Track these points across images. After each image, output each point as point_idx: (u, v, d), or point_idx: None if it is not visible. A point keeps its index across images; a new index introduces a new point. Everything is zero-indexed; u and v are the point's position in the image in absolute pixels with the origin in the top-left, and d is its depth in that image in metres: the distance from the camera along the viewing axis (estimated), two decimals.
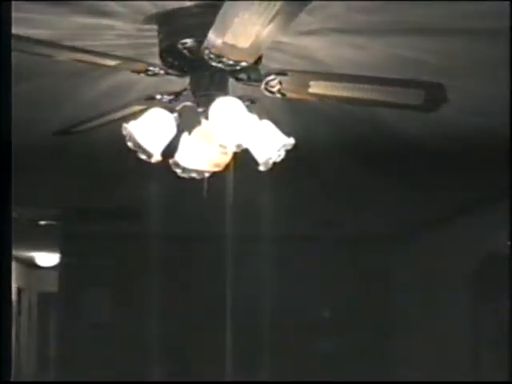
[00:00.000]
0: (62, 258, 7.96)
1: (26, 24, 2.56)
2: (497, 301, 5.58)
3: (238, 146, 2.46)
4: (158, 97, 2.72)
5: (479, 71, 3.16)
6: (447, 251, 6.50)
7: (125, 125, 2.51)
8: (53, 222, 6.76)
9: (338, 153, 4.41)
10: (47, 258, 10.48)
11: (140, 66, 2.60)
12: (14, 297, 11.09)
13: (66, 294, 7.70)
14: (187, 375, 7.03)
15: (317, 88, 2.64)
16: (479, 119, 3.78)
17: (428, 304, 6.85)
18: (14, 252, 9.27)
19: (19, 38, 2.31)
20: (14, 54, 2.31)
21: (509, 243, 5.22)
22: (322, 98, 2.75)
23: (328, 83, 2.65)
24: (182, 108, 2.59)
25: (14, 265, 10.38)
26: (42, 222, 6.74)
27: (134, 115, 2.66)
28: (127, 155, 2.62)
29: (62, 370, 7.56)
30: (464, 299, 6.15)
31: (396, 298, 7.47)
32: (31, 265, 11.04)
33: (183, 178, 2.64)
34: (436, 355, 6.53)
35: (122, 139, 2.53)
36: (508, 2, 2.48)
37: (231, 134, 2.44)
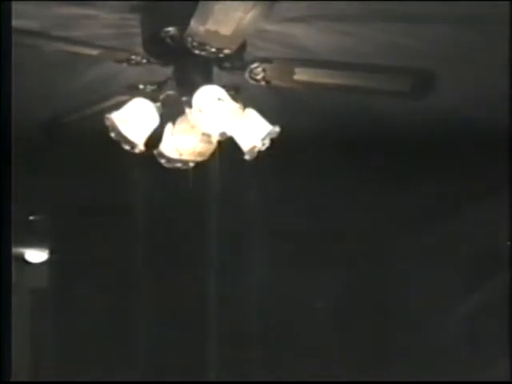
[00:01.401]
0: (51, 254, 7.91)
1: None
2: (496, 296, 5.56)
3: (222, 134, 2.43)
4: (141, 86, 2.69)
5: (470, 58, 3.13)
6: (442, 245, 6.45)
7: (107, 115, 2.47)
8: (41, 217, 6.71)
9: (323, 142, 4.36)
10: (37, 254, 10.45)
11: (122, 55, 2.57)
12: None
13: (57, 289, 7.67)
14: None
15: (302, 75, 2.61)
16: (472, 107, 3.74)
17: (427, 300, 6.81)
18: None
19: None
20: None
21: (509, 243, 5.18)
22: (307, 85, 2.72)
23: (313, 70, 2.63)
24: (165, 97, 2.57)
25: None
26: (31, 218, 6.69)
27: (117, 106, 2.62)
28: (112, 147, 2.58)
29: (56, 365, 7.53)
30: (463, 295, 6.12)
31: (392, 294, 7.42)
32: (21, 260, 11.00)
33: (169, 170, 2.62)
34: (435, 354, 6.51)
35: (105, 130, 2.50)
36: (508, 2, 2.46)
37: (215, 122, 2.41)
